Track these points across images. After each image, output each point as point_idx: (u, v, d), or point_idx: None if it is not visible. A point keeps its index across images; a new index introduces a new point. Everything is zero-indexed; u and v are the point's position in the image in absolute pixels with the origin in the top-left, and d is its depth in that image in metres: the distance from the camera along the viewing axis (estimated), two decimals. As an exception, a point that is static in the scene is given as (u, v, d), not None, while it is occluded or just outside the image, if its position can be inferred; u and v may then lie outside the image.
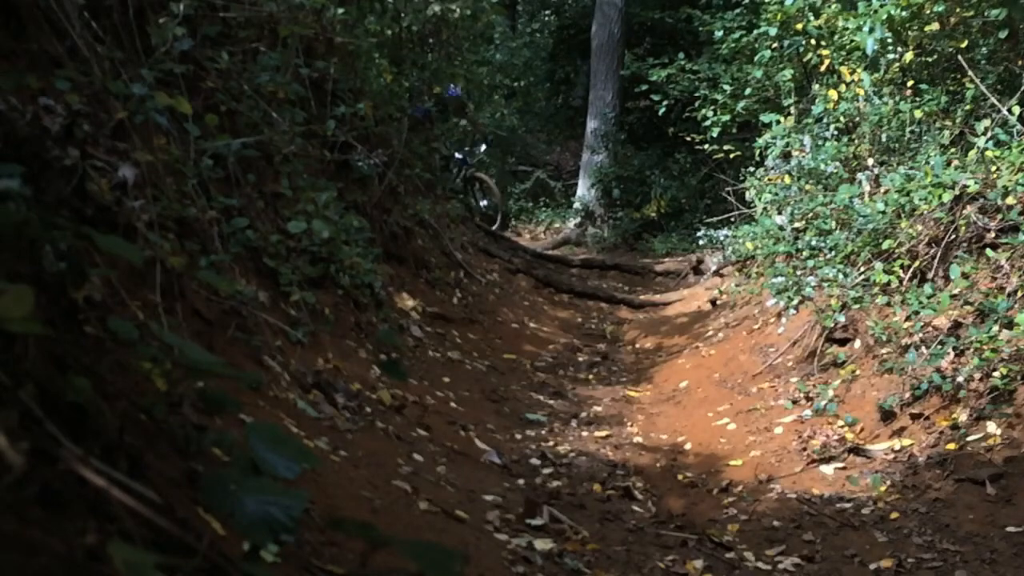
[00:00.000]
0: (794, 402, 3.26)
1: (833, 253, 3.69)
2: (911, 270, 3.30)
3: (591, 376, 4.17)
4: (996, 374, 2.62)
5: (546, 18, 12.88)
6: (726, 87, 6.51)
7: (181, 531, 0.88)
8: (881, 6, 4.31)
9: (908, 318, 3.08)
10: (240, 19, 2.94)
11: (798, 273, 3.85)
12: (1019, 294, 2.83)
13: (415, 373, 3.16)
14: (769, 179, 4.73)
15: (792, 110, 5.28)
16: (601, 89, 9.30)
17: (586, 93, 10.02)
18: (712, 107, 6.62)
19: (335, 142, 3.58)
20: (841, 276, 3.49)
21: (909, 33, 4.40)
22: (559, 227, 9.53)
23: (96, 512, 0.84)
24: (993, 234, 3.12)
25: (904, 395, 2.87)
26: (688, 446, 3.14)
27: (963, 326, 2.90)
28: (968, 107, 4.02)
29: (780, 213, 4.34)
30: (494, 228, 7.64)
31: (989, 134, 3.45)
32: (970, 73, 3.93)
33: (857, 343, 3.37)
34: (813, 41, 5.07)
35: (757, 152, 5.20)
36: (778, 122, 4.74)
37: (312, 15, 3.51)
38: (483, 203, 7.79)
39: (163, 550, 0.85)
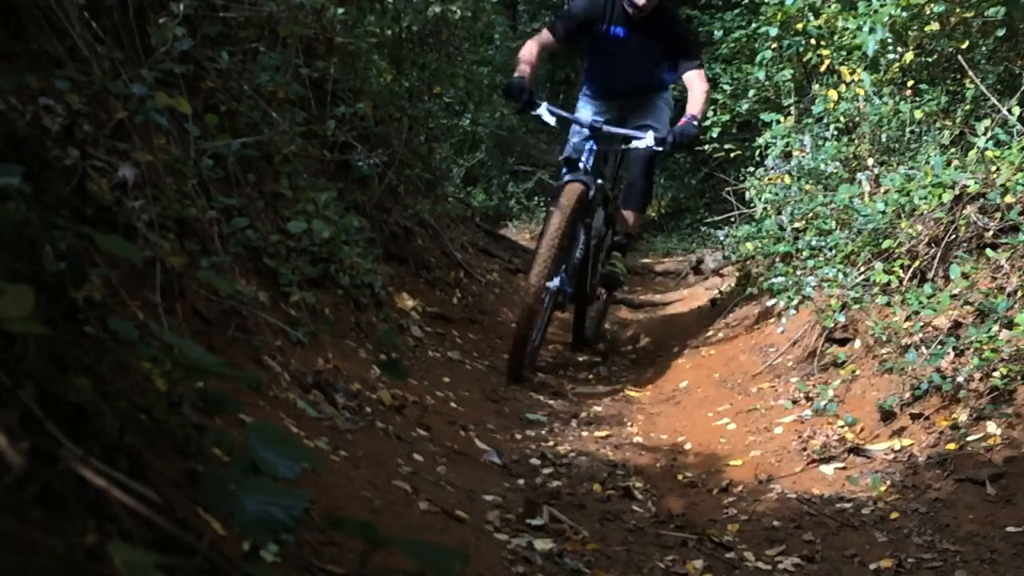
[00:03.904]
0: (794, 402, 3.26)
1: (833, 253, 3.69)
2: (911, 270, 3.30)
3: (591, 376, 4.17)
4: (996, 374, 2.62)
5: (546, 18, 12.89)
6: (726, 87, 6.52)
7: (181, 531, 0.88)
8: (881, 6, 4.31)
9: (908, 318, 3.08)
10: (240, 19, 2.94)
11: (798, 273, 3.85)
12: (1019, 294, 2.83)
13: (415, 373, 3.16)
14: (769, 179, 4.73)
15: (792, 110, 5.29)
16: (601, 89, 9.20)
17: (586, 93, 9.99)
18: (712, 107, 6.62)
19: (335, 142, 3.58)
20: (841, 276, 3.49)
21: (909, 33, 4.41)
22: (559, 227, 9.51)
23: (96, 512, 0.84)
24: (993, 234, 3.12)
25: (904, 395, 2.87)
26: (688, 446, 3.14)
27: (963, 326, 2.90)
28: (968, 107, 4.02)
29: (780, 213, 4.34)
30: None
31: (989, 134, 3.45)
32: (970, 73, 3.93)
33: (857, 343, 3.37)
34: (813, 41, 5.07)
35: (757, 152, 5.20)
36: (778, 122, 4.74)
37: (312, 15, 3.51)
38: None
39: (163, 550, 0.85)
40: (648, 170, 4.27)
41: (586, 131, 3.96)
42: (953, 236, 3.24)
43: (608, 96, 4.23)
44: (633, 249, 4.58)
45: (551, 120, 3.84)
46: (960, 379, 2.71)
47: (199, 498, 1.18)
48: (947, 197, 3.26)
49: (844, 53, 4.76)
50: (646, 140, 3.79)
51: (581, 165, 3.82)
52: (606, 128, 3.89)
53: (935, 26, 4.25)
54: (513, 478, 2.55)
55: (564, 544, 2.08)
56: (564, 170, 3.88)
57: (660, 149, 3.80)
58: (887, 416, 2.88)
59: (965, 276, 3.02)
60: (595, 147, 3.88)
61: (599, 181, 3.86)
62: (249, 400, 1.93)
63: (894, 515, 2.36)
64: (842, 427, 2.95)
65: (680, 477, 2.82)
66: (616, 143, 4.03)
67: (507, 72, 11.59)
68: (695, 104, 3.86)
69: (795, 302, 3.75)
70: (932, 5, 4.16)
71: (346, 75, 3.87)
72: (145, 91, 1.98)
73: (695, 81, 3.90)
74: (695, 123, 3.76)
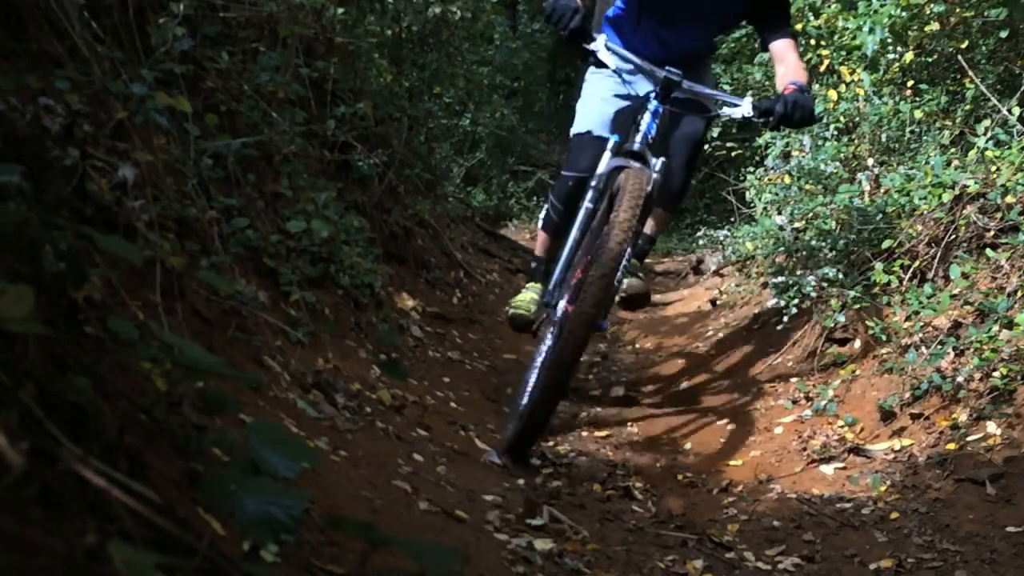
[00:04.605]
0: (794, 402, 3.26)
1: (833, 253, 3.69)
2: (911, 270, 3.30)
3: (591, 376, 4.17)
4: (996, 374, 2.62)
5: (546, 18, 12.88)
6: (726, 87, 6.51)
7: (181, 531, 0.88)
8: (881, 6, 4.31)
9: (908, 318, 3.08)
10: (240, 19, 2.94)
11: (798, 273, 3.85)
12: (1019, 294, 2.83)
13: (415, 373, 3.16)
14: (769, 179, 4.73)
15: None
16: (601, 89, 9.13)
17: (586, 93, 9.97)
18: (712, 107, 6.61)
19: (335, 142, 3.59)
20: (841, 276, 3.49)
21: (909, 33, 4.40)
22: (559, 227, 9.50)
23: (96, 512, 0.84)
24: (993, 234, 3.12)
25: (904, 395, 2.87)
26: (688, 446, 3.14)
27: (963, 326, 2.90)
28: (968, 107, 4.02)
29: (780, 213, 4.34)
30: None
31: (989, 134, 3.45)
32: (970, 73, 3.93)
33: (857, 343, 3.37)
34: (813, 41, 5.07)
35: (757, 152, 5.20)
36: (778, 122, 4.74)
37: (312, 15, 3.52)
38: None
39: (163, 550, 0.85)
40: (697, 156, 3.23)
41: (636, 87, 3.05)
42: (953, 236, 3.24)
43: (655, 55, 2.92)
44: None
45: (610, 61, 2.81)
46: (960, 379, 2.71)
47: (199, 498, 1.18)
48: (947, 197, 3.26)
49: (844, 53, 4.76)
50: (743, 107, 2.73)
51: (639, 138, 2.79)
52: (688, 84, 2.79)
53: (935, 26, 4.25)
54: (513, 478, 2.55)
55: (564, 544, 2.08)
56: (614, 141, 2.92)
57: (762, 121, 2.71)
58: (887, 416, 2.88)
59: (965, 276, 3.02)
60: (660, 109, 2.84)
61: (660, 162, 2.77)
62: (249, 400, 1.93)
63: (894, 515, 2.36)
64: (842, 427, 2.95)
65: (680, 477, 2.82)
66: (690, 108, 3.02)
67: (507, 72, 11.60)
68: (798, 71, 2.85)
69: (795, 302, 3.75)
70: (932, 5, 4.16)
71: (346, 75, 3.87)
72: (145, 91, 1.98)
73: (788, 53, 2.93)
74: (807, 93, 2.75)
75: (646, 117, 2.83)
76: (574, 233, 2.92)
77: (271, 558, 1.20)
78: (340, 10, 3.76)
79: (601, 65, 2.89)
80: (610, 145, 2.93)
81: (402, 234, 4.25)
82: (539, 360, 2.86)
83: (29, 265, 1.07)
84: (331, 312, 2.82)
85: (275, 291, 2.58)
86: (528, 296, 3.39)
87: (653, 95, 2.85)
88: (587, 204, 2.89)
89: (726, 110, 2.83)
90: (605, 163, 2.88)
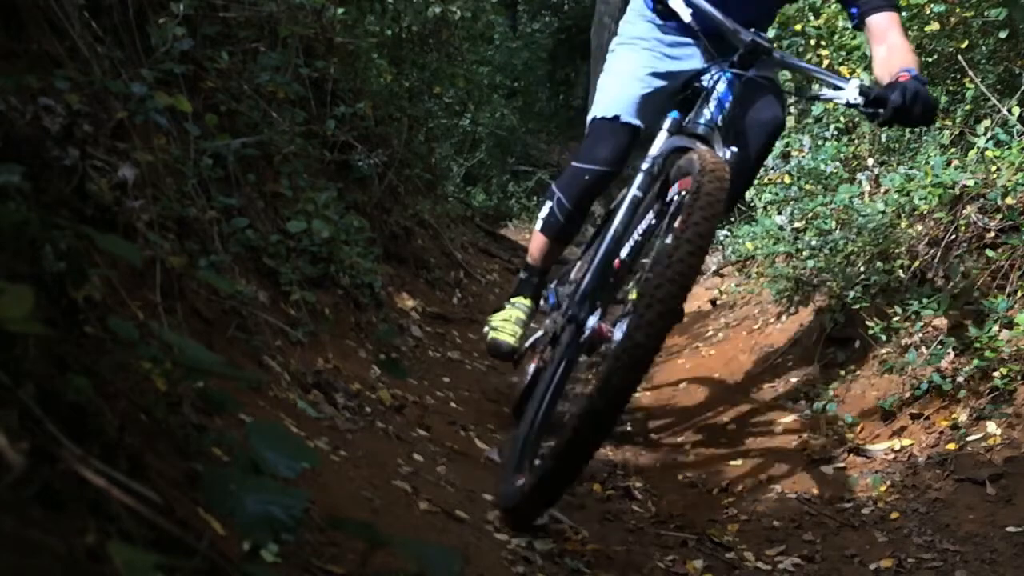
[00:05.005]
0: (794, 402, 3.26)
1: (833, 253, 3.69)
2: (911, 270, 3.29)
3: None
4: (996, 374, 2.62)
5: (546, 19, 12.90)
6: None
7: (181, 531, 0.89)
8: (881, 6, 4.31)
9: (908, 318, 3.08)
10: (240, 19, 2.94)
11: (798, 273, 3.85)
12: (1019, 294, 2.83)
13: (415, 373, 3.16)
14: (769, 179, 4.73)
15: (792, 110, 5.28)
16: (601, 89, 9.11)
17: (586, 93, 10.01)
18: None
19: (335, 142, 3.59)
20: (841, 276, 3.49)
21: (909, 33, 4.40)
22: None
23: (96, 512, 0.84)
24: (993, 234, 3.12)
25: (904, 395, 2.87)
26: (688, 446, 3.14)
27: (963, 326, 2.90)
28: (968, 107, 4.02)
29: (780, 213, 4.34)
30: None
31: (989, 134, 3.45)
32: (970, 73, 3.93)
33: (857, 343, 3.37)
34: (813, 41, 5.06)
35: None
36: (778, 122, 4.74)
37: (312, 15, 3.52)
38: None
39: (163, 550, 0.85)
40: (770, 147, 2.65)
41: (682, 62, 2.55)
42: (953, 236, 3.24)
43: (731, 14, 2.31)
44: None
45: (684, 12, 2.30)
46: (960, 379, 2.71)
47: (199, 498, 1.18)
48: (947, 197, 3.26)
49: (844, 53, 4.75)
50: (847, 91, 2.19)
51: (707, 116, 2.28)
52: (779, 54, 2.32)
53: (935, 26, 4.25)
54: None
55: (564, 544, 2.08)
56: (672, 119, 2.43)
57: (869, 112, 2.18)
58: (887, 416, 2.88)
59: (965, 276, 3.02)
60: (738, 80, 2.32)
61: (729, 151, 2.22)
62: (249, 400, 1.93)
63: (894, 515, 2.36)
64: (842, 427, 2.95)
65: (680, 477, 2.82)
66: (765, 87, 2.52)
67: (507, 72, 11.61)
68: (908, 54, 2.29)
69: (795, 301, 3.75)
70: (932, 5, 4.15)
71: (346, 75, 3.87)
72: (145, 91, 1.98)
73: (891, 31, 2.35)
74: (926, 85, 2.19)
75: (719, 87, 2.29)
76: (615, 226, 2.41)
77: (271, 558, 1.20)
78: (340, 10, 3.76)
79: (670, 15, 2.35)
80: (667, 124, 2.44)
81: (402, 234, 4.25)
82: (546, 386, 2.37)
83: (29, 265, 1.07)
84: (331, 312, 2.82)
85: (275, 291, 2.57)
86: (513, 315, 2.88)
87: (727, 64, 2.31)
88: (634, 191, 2.39)
89: (827, 92, 2.28)
90: (660, 143, 2.42)
